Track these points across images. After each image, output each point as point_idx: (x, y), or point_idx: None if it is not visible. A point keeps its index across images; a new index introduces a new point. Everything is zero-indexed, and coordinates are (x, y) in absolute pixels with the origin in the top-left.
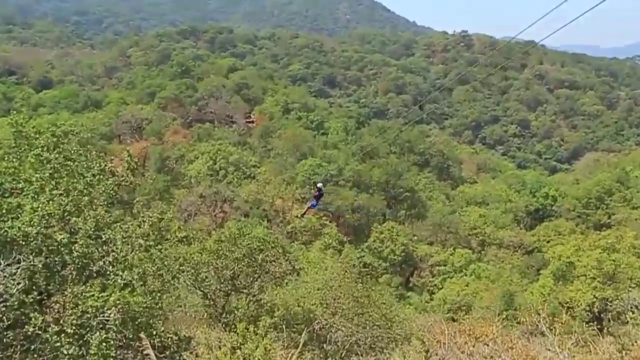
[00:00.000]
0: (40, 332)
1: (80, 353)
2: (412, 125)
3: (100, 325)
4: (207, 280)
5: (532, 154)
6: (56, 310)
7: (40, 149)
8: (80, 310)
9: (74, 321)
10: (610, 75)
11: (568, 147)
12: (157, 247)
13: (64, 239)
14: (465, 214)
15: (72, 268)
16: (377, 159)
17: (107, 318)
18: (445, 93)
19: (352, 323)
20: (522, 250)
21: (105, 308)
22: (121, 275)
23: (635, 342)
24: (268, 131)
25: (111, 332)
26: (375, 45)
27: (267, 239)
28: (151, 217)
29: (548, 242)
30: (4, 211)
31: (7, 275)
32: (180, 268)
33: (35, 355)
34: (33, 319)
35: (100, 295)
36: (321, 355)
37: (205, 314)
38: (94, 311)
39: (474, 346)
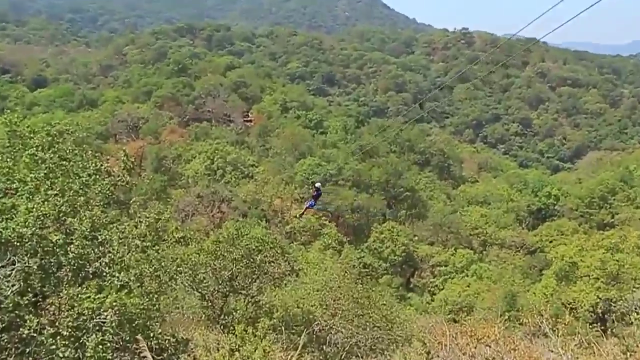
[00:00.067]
0: (35, 335)
1: (76, 356)
2: (412, 124)
3: (97, 328)
4: (205, 281)
5: (534, 153)
6: (51, 312)
7: (34, 148)
8: (76, 312)
9: (70, 323)
10: (613, 72)
11: (570, 145)
12: (154, 248)
13: (59, 240)
14: (466, 213)
15: (68, 269)
16: (376, 158)
17: (104, 320)
18: (446, 91)
19: (352, 324)
20: (524, 250)
21: (102, 310)
22: (118, 277)
23: None
24: (266, 130)
25: (108, 334)
26: (375, 42)
27: (266, 240)
28: (148, 218)
29: (550, 242)
30: None
31: (2, 277)
32: (178, 269)
33: (31, 358)
34: (28, 321)
35: (96, 296)
36: (321, 357)
37: (203, 315)
38: (90, 313)
39: (475, 348)
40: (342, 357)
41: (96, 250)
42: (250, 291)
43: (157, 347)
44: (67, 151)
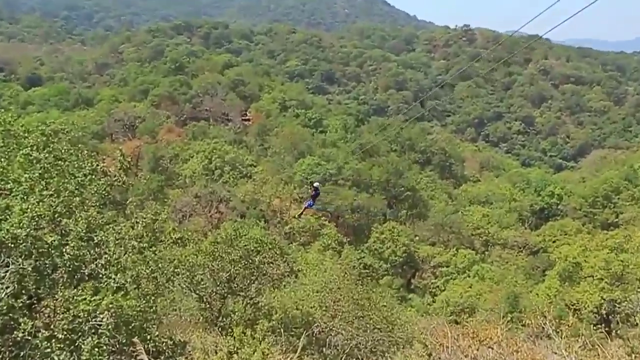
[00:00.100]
0: (30, 338)
1: (71, 359)
2: (413, 123)
3: (93, 330)
4: (202, 282)
5: (536, 152)
6: (46, 315)
7: (29, 148)
8: (72, 314)
9: (65, 326)
10: (618, 69)
11: (574, 144)
12: (151, 249)
13: (54, 241)
14: (468, 213)
15: (63, 271)
16: (377, 157)
17: (100, 322)
18: (447, 89)
19: (352, 326)
20: (527, 250)
21: (98, 312)
22: (114, 278)
23: None
24: (265, 129)
25: (104, 337)
26: (375, 40)
27: (265, 240)
28: (145, 218)
29: (554, 242)
30: None
31: None
32: (175, 270)
33: None
34: (22, 324)
35: (92, 299)
36: None
37: (201, 317)
38: (85, 315)
39: (478, 349)
40: (342, 359)
41: (92, 251)
42: (249, 293)
43: (154, 350)
44: (63, 151)
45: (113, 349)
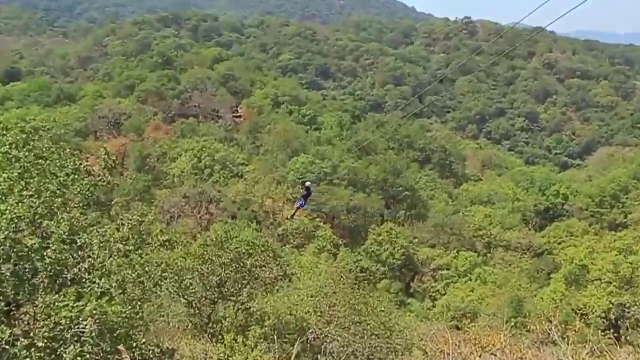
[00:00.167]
0: (7, 347)
1: None
2: (411, 119)
3: (75, 338)
4: (191, 287)
5: (541, 149)
6: (26, 322)
7: (8, 146)
8: (53, 321)
9: (46, 333)
10: (626, 63)
11: (580, 141)
12: (137, 252)
13: (34, 244)
14: (469, 214)
15: (44, 276)
16: (374, 155)
17: (83, 330)
18: (447, 84)
19: (349, 332)
20: (531, 252)
21: (81, 319)
22: (98, 283)
23: None
24: (257, 126)
25: (87, 345)
26: (372, 33)
27: (257, 243)
28: (131, 220)
29: (559, 243)
30: None
31: None
32: (163, 274)
33: None
34: (0, 332)
35: (74, 304)
36: None
37: (190, 323)
38: (67, 322)
39: (480, 356)
40: None
41: (75, 255)
42: (240, 297)
43: (140, 358)
44: (43, 149)
45: (97, 358)
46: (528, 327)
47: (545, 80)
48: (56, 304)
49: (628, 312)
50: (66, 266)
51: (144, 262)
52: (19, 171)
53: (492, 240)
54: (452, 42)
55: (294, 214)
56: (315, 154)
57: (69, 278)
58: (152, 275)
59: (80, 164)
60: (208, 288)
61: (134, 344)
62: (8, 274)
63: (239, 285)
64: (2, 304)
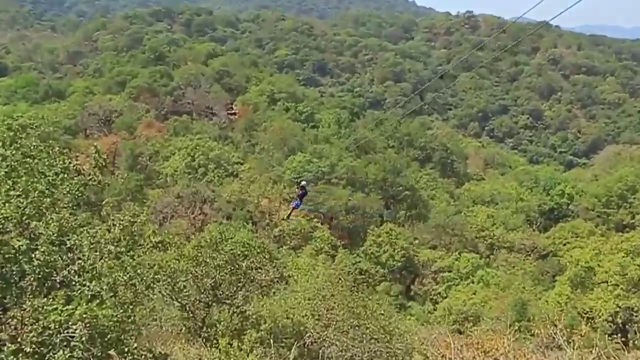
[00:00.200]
0: None
1: None
2: (411, 117)
3: (64, 343)
4: (185, 290)
5: (545, 148)
6: (13, 327)
7: None
8: (41, 325)
9: (34, 338)
10: (633, 58)
11: (586, 139)
12: (129, 254)
13: (22, 245)
14: (471, 214)
15: (32, 278)
16: (373, 154)
17: (72, 334)
18: (449, 80)
19: (347, 336)
20: (536, 254)
21: (70, 323)
22: (88, 286)
23: None
24: (252, 124)
25: (77, 350)
26: (371, 27)
27: (252, 244)
28: (122, 221)
29: (564, 245)
30: None
31: None
32: (155, 277)
33: None
34: None
35: (64, 308)
36: None
37: (184, 327)
38: (57, 327)
39: None
40: None
41: (64, 256)
42: (236, 301)
43: None
44: (32, 147)
45: None
46: (532, 331)
47: (549, 77)
48: (45, 307)
49: (636, 316)
50: (55, 268)
51: (136, 264)
52: (6, 170)
53: (495, 242)
54: (453, 37)
55: (290, 214)
56: (312, 153)
57: (58, 281)
58: (145, 278)
59: (70, 162)
60: (202, 291)
61: (126, 349)
62: None
63: (234, 288)
64: None
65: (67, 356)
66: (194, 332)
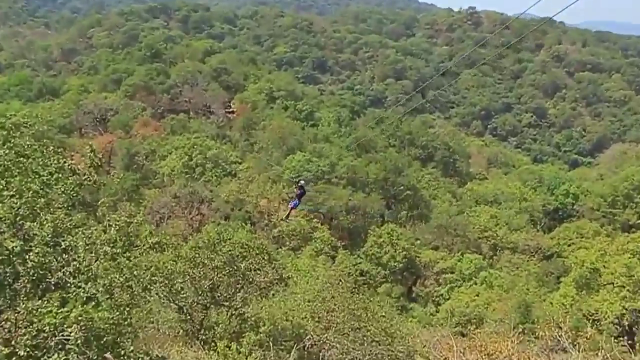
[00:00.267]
0: None
1: None
2: (413, 115)
3: (59, 346)
4: (182, 292)
5: (549, 146)
6: (7, 330)
7: None
8: (36, 328)
9: (28, 341)
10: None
11: (591, 138)
12: (125, 255)
13: (16, 247)
14: (474, 214)
15: (26, 280)
16: (374, 153)
17: (67, 337)
18: (451, 78)
19: (348, 339)
20: (540, 255)
21: (65, 325)
22: (84, 288)
23: None
24: (250, 123)
25: (72, 353)
26: (371, 24)
27: (251, 245)
28: (118, 221)
29: (569, 245)
30: None
31: None
32: (152, 278)
33: None
34: None
35: (59, 310)
36: None
37: (181, 330)
38: (51, 329)
39: None
40: None
41: (59, 258)
42: (234, 303)
43: None
44: (25, 147)
45: None
46: (537, 334)
47: (554, 74)
48: (39, 310)
49: None
50: (50, 270)
51: (132, 265)
52: None
53: (498, 242)
54: (455, 34)
55: (288, 214)
56: (312, 152)
57: (52, 283)
58: (141, 280)
59: (65, 162)
60: (200, 293)
61: (122, 352)
62: None
63: (233, 290)
64: None
65: (62, 359)
66: (192, 334)
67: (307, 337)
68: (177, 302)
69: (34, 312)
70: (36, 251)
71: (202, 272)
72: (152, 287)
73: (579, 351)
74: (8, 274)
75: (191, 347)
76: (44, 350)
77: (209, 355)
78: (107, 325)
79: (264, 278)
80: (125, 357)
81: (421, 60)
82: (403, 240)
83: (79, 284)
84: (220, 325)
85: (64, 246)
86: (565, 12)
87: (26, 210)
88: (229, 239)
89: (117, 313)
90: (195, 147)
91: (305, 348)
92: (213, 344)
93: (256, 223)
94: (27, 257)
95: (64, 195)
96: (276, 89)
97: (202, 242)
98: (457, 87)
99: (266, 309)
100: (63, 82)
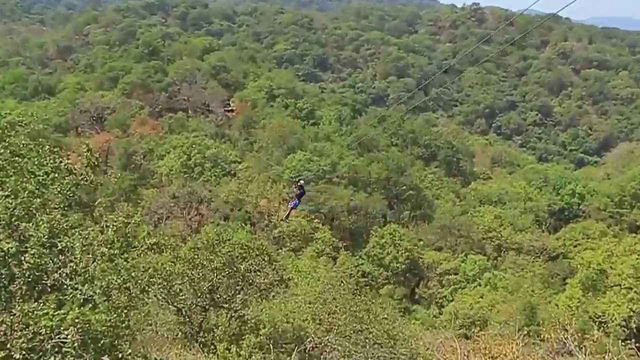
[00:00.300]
0: None
1: None
2: (416, 113)
3: (56, 349)
4: (181, 293)
5: (555, 145)
6: (2, 332)
7: None
8: (32, 331)
9: (24, 344)
10: None
11: (597, 136)
12: (122, 256)
13: (11, 248)
14: (478, 214)
15: (22, 282)
16: (376, 152)
17: (64, 340)
18: (454, 75)
19: (350, 341)
20: (545, 256)
21: (62, 328)
22: (80, 290)
23: None
24: (250, 121)
25: (69, 356)
26: (373, 21)
27: (251, 246)
28: (115, 222)
29: (575, 246)
30: None
31: None
32: (150, 280)
33: None
34: None
35: (55, 313)
36: None
37: (180, 332)
38: (48, 332)
39: None
40: None
41: (55, 259)
42: (234, 304)
43: None
44: (21, 146)
45: None
46: (542, 336)
47: (559, 71)
48: (35, 312)
49: None
50: (46, 272)
51: (130, 267)
52: None
53: (502, 243)
54: (459, 31)
55: (288, 214)
56: (313, 151)
57: (49, 284)
58: (139, 281)
59: (61, 161)
60: (199, 294)
61: (120, 355)
62: None
63: (232, 292)
64: None
65: None
66: (191, 337)
67: (308, 339)
68: (175, 304)
69: (30, 314)
70: (32, 252)
71: (201, 274)
72: (150, 289)
73: (585, 354)
74: (3, 276)
75: (190, 349)
76: (40, 354)
77: (208, 358)
78: (104, 328)
79: (264, 279)
80: None
81: (424, 57)
82: (406, 241)
83: (76, 286)
84: (220, 328)
85: (60, 247)
86: (571, 8)
87: (22, 211)
88: (229, 240)
89: (115, 315)
90: (193, 146)
91: (306, 351)
92: (212, 346)
93: (256, 223)
94: (22, 258)
95: (60, 195)
96: (276, 87)
97: (201, 243)
98: (461, 84)
99: (266, 311)
100: (59, 80)
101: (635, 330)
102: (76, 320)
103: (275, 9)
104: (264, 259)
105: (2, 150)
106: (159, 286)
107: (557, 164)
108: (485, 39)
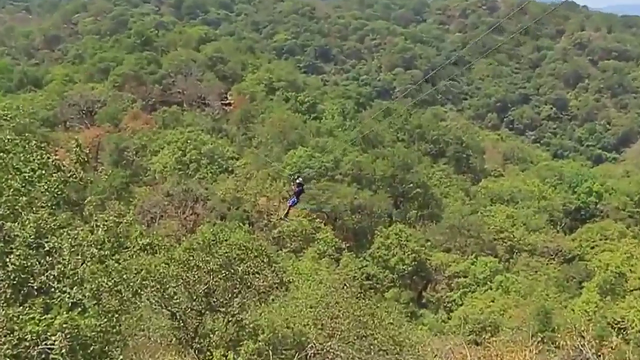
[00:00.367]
0: None
1: None
2: (423, 107)
3: (43, 355)
4: (175, 297)
5: (571, 141)
6: None
7: None
8: (17, 337)
9: (9, 351)
10: None
11: (616, 131)
12: (113, 258)
13: None
14: (489, 214)
15: (7, 285)
16: (381, 148)
17: (51, 346)
18: (464, 67)
19: (353, 348)
20: (560, 258)
21: (49, 334)
22: (69, 293)
23: None
24: (249, 115)
25: None
26: (378, 9)
27: (249, 246)
28: (106, 221)
29: (592, 248)
30: None
31: None
32: (143, 283)
33: None
34: None
35: (42, 317)
36: None
37: (174, 338)
38: (34, 338)
39: None
40: None
41: (42, 260)
42: (231, 308)
43: None
44: (6, 141)
45: None
46: (557, 343)
47: (576, 62)
48: (21, 317)
49: None
50: (32, 274)
51: (121, 268)
52: None
53: (515, 244)
54: (469, 20)
55: (287, 213)
56: (314, 147)
57: (35, 287)
58: (131, 284)
59: (48, 158)
60: (194, 298)
61: None
62: None
63: (230, 295)
64: None
65: None
66: (185, 342)
67: (310, 345)
68: (169, 307)
69: (15, 319)
70: (17, 253)
71: (196, 276)
72: (142, 292)
73: None
74: None
75: (185, 356)
76: None
77: None
78: (94, 333)
79: (263, 282)
80: None
81: (432, 48)
82: (412, 241)
83: (64, 289)
84: (216, 333)
85: (47, 248)
86: None
87: (6, 210)
88: (226, 240)
89: (105, 320)
90: (189, 141)
91: (307, 357)
92: (208, 353)
93: (255, 223)
94: (7, 259)
95: (47, 193)
96: (276, 79)
97: (196, 244)
98: (471, 77)
99: (265, 315)
100: (46, 71)
101: None
102: (64, 326)
103: None
104: (262, 261)
105: None
106: (152, 289)
107: (573, 161)
108: (495, 25)
